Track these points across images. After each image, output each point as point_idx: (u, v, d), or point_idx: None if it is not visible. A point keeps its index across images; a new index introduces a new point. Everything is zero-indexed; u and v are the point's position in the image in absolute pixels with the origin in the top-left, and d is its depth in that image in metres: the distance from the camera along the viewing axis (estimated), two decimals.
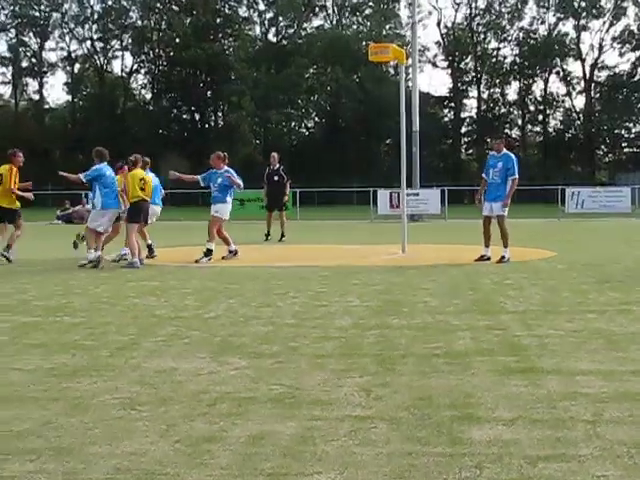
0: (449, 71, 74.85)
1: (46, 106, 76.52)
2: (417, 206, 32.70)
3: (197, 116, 74.60)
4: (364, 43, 65.88)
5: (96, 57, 75.15)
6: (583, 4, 69.57)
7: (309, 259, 15.01)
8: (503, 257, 13.59)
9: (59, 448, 4.18)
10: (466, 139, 77.49)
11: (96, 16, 73.16)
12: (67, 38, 74.15)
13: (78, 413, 4.78)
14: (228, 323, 7.86)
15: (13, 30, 72.53)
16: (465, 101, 75.84)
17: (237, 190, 15.10)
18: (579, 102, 76.39)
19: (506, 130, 73.66)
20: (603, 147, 74.77)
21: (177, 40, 71.24)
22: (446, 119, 76.37)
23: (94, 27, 73.76)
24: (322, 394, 5.14)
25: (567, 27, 77.67)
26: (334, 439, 4.27)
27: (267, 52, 71.69)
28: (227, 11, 73.44)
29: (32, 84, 75.27)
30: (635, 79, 69.45)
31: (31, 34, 73.37)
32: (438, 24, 74.34)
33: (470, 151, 77.40)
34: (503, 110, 75.20)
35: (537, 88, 74.32)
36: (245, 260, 14.97)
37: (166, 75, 73.87)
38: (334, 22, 74.77)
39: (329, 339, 6.96)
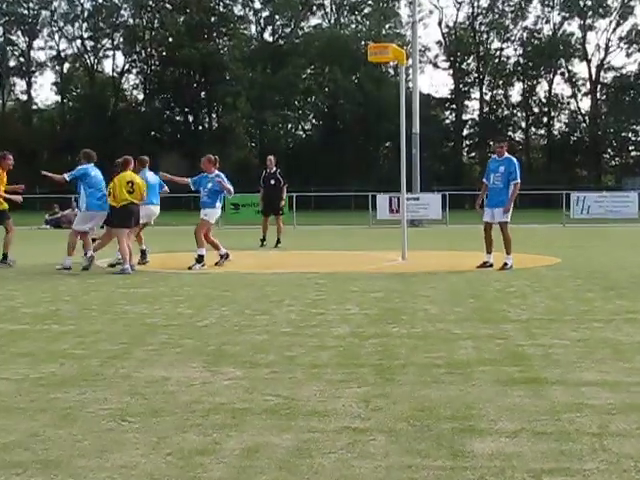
0: (450, 72, 74.97)
1: (34, 107, 76.55)
2: (417, 211, 32.73)
3: (190, 118, 74.66)
4: (363, 43, 66.03)
5: (86, 56, 75.22)
6: (589, 3, 69.73)
7: (306, 266, 15.01)
8: (506, 264, 13.60)
9: (46, 461, 4.18)
10: (468, 142, 77.59)
11: (86, 14, 73.24)
12: (56, 37, 74.28)
13: (66, 424, 4.77)
14: (222, 331, 7.86)
15: (0, 28, 72.57)
16: (467, 103, 76.00)
17: (227, 196, 15.06)
18: (585, 104, 76.48)
19: (509, 133, 73.81)
20: (609, 150, 74.88)
21: (170, 39, 71.32)
22: (447, 121, 76.48)
23: (84, 25, 73.86)
24: (319, 405, 5.13)
25: (572, 27, 77.79)
26: (331, 452, 4.27)
27: (263, 52, 71.79)
28: (222, 9, 73.55)
29: (20, 84, 75.40)
30: None
31: (19, 32, 73.47)
32: (439, 23, 74.51)
33: (472, 154, 77.52)
34: (506, 112, 75.33)
35: (541, 89, 74.51)
36: (240, 266, 14.96)
37: (159, 75, 73.92)
38: (332, 21, 74.90)
39: (326, 348, 6.96)
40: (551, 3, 71.91)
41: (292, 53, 70.37)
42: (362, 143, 69.34)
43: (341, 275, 13.22)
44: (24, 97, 75.20)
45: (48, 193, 37.15)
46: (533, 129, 76.11)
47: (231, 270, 14.19)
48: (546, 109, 73.69)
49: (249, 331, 7.86)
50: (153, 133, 70.85)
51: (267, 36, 74.84)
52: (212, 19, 72.45)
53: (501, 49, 74.04)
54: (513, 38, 73.70)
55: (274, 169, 20.72)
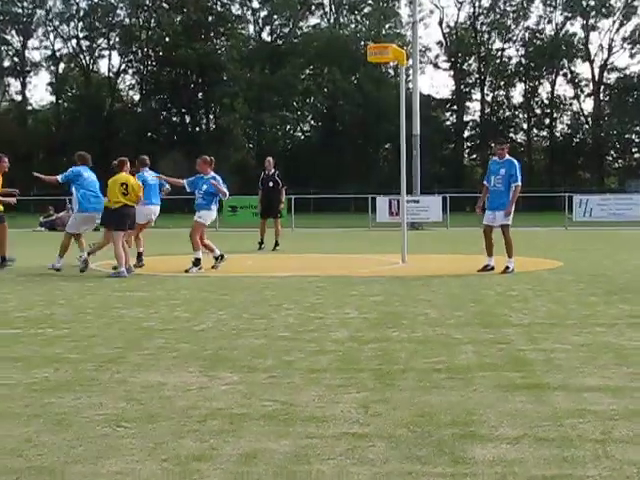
0: (451, 72, 75.13)
1: (29, 107, 76.70)
2: (418, 214, 32.77)
3: (187, 119, 74.76)
4: (363, 43, 66.19)
5: (82, 56, 75.35)
6: (592, 3, 69.87)
7: (304, 269, 15.01)
8: (507, 268, 13.61)
9: (40, 467, 4.17)
10: (469, 144, 77.73)
11: (82, 13, 73.37)
12: (51, 36, 74.45)
13: (61, 430, 4.77)
14: (219, 336, 7.85)
15: None
16: (468, 104, 76.16)
17: (222, 198, 15.01)
18: (587, 105, 76.87)
19: (511, 134, 73.95)
20: (612, 152, 75.01)
21: (167, 39, 71.42)
22: (448, 123, 76.62)
23: (80, 25, 74.00)
24: (317, 410, 5.13)
25: (575, 27, 78.17)
26: (330, 458, 4.26)
27: (261, 52, 71.89)
28: (219, 9, 73.66)
29: (14, 84, 75.54)
30: None
31: (13, 32, 73.60)
32: (440, 23, 74.71)
33: (473, 156, 77.67)
34: (508, 113, 75.47)
35: (543, 90, 74.68)
36: (237, 270, 14.95)
37: (155, 76, 74.01)
38: (331, 21, 75.01)
39: (325, 353, 6.96)
40: (553, 3, 72.08)
41: (291, 53, 70.49)
42: (361, 145, 69.44)
43: (340, 278, 13.22)
44: (19, 97, 75.42)
45: (43, 195, 37.15)
46: (535, 131, 76.25)
47: (228, 273, 14.18)
48: (548, 110, 73.82)
49: (247, 335, 7.85)
50: (149, 134, 70.93)
51: (265, 36, 75.06)
52: (209, 19, 72.55)
53: (503, 49, 74.25)
54: (515, 38, 73.92)
55: (272, 171, 20.72)
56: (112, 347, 7.27)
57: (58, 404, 5.34)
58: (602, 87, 72.29)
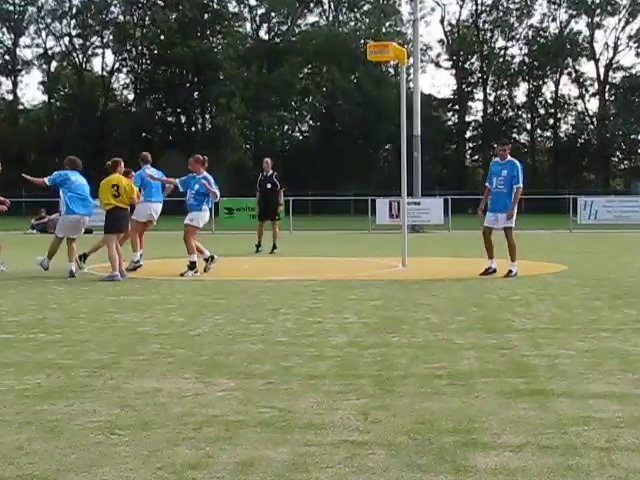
0: (453, 72, 75.18)
1: (20, 107, 76.66)
2: (418, 216, 32.79)
3: (183, 118, 74.79)
4: (362, 41, 66.25)
5: (74, 55, 75.32)
6: (597, 0, 69.91)
7: (303, 272, 15.01)
8: (510, 271, 13.61)
9: (32, 476, 4.16)
10: (471, 144, 77.79)
11: (75, 10, 73.38)
12: (43, 34, 74.43)
13: (53, 438, 4.77)
14: (215, 341, 7.86)
15: None
16: (470, 104, 76.24)
17: (213, 199, 14.93)
18: (592, 105, 77.07)
19: (514, 135, 74.01)
20: (618, 153, 75.10)
21: (162, 37, 71.46)
22: (450, 123, 76.70)
23: (72, 22, 73.99)
24: (316, 417, 5.13)
25: (580, 25, 78.16)
26: (329, 466, 4.26)
27: (258, 50, 71.93)
28: (215, 6, 73.68)
29: (5, 83, 75.49)
30: None
31: (4, 29, 73.59)
32: (441, 21, 74.77)
33: (475, 157, 77.76)
34: (511, 113, 75.53)
35: (547, 90, 74.75)
36: (233, 273, 14.95)
37: (150, 74, 74.03)
38: (330, 19, 75.06)
39: (324, 358, 6.96)
40: (558, 0, 72.15)
41: (289, 52, 70.53)
42: (361, 145, 69.48)
43: (339, 282, 13.23)
44: (10, 97, 75.34)
45: (34, 197, 37.16)
46: (539, 131, 76.34)
47: (225, 277, 14.19)
48: (552, 110, 73.89)
49: (243, 340, 7.85)
50: (144, 134, 70.91)
51: (263, 34, 75.07)
52: (205, 16, 72.58)
53: (506, 48, 74.31)
54: (518, 37, 74.02)
55: (270, 172, 20.73)
56: (106, 352, 7.27)
57: (50, 411, 5.34)
58: (607, 86, 72.38)
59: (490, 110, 74.49)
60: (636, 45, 70.45)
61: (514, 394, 5.66)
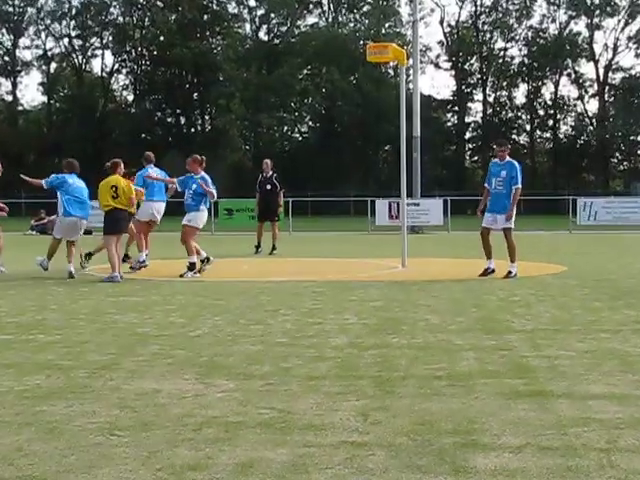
0: (453, 72, 75.17)
1: (20, 108, 76.65)
2: (418, 217, 32.80)
3: (182, 120, 74.76)
4: (362, 42, 66.21)
5: (74, 56, 75.31)
6: (596, 1, 69.95)
7: (302, 273, 15.01)
8: (510, 272, 13.61)
9: (31, 477, 4.16)
10: (470, 145, 77.77)
11: (74, 12, 73.33)
12: (43, 35, 74.39)
13: (52, 439, 4.77)
14: (215, 342, 7.85)
15: None
16: (470, 105, 76.20)
17: (210, 199, 14.90)
18: (592, 106, 76.87)
19: (514, 136, 73.97)
20: (617, 154, 75.09)
21: (161, 38, 71.42)
22: (449, 124, 76.68)
23: (72, 23, 73.95)
24: (316, 419, 5.13)
25: (579, 26, 78.22)
26: (328, 467, 4.26)
27: (258, 51, 71.91)
28: (215, 7, 73.67)
29: (5, 84, 75.46)
30: None
31: (4, 30, 73.54)
32: (441, 22, 74.76)
33: (475, 158, 77.73)
34: (510, 114, 75.51)
35: (547, 91, 74.76)
36: (233, 274, 14.95)
37: (149, 75, 74.02)
38: (330, 20, 75.04)
39: (323, 359, 6.96)
40: (557, 1, 72.15)
41: (288, 53, 70.52)
42: (361, 146, 69.46)
43: (339, 283, 13.22)
44: (9, 98, 75.31)
45: (34, 198, 37.15)
46: (538, 132, 76.32)
47: (224, 278, 14.18)
48: (552, 111, 73.87)
49: (243, 341, 7.85)
50: (143, 135, 70.86)
51: (262, 35, 75.05)
52: (205, 17, 72.56)
53: (505, 49, 74.30)
54: (518, 38, 73.98)
55: (270, 173, 20.72)
56: (105, 353, 7.27)
57: (50, 412, 5.34)
58: (607, 87, 72.36)
59: (490, 111, 74.49)
60: (635, 46, 70.45)
61: (514, 395, 5.66)
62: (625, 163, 75.74)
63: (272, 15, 73.68)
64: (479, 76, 74.64)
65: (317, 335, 8.17)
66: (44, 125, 75.60)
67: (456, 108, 75.34)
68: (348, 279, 14.00)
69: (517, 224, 14.07)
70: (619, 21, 70.68)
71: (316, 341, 7.82)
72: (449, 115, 77.23)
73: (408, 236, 17.14)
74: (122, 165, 14.47)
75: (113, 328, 8.73)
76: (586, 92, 73.79)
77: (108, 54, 76.52)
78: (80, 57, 75.26)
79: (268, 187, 20.57)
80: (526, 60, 73.35)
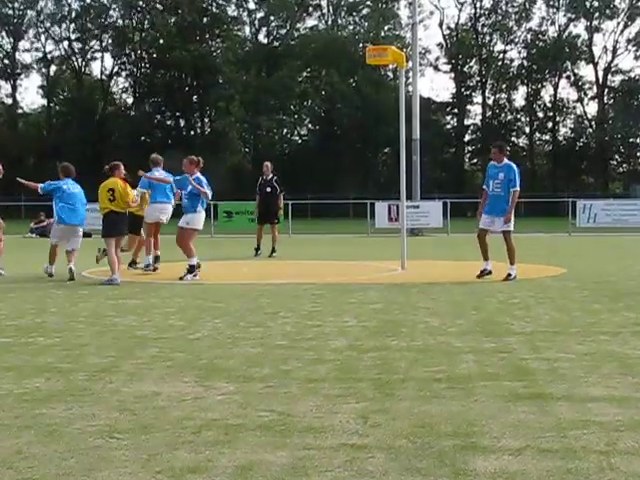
0: (452, 75, 75.17)
1: (19, 111, 76.59)
2: (417, 219, 32.81)
3: (182, 122, 74.73)
4: (361, 45, 66.26)
5: (74, 58, 75.30)
6: (596, 4, 69.93)
7: (302, 276, 15.01)
8: (509, 275, 13.61)
9: None
10: (470, 148, 77.77)
11: (74, 15, 73.29)
12: (42, 38, 74.34)
13: (52, 442, 4.76)
14: (214, 344, 7.85)
15: None
16: (469, 107, 76.20)
17: (205, 199, 14.82)
18: (591, 108, 76.79)
19: (513, 138, 73.97)
20: (617, 157, 75.09)
21: (161, 41, 71.40)
22: (449, 126, 76.66)
23: (72, 26, 73.92)
24: (315, 421, 5.13)
25: (579, 28, 78.16)
26: (328, 470, 4.26)
27: (257, 54, 71.90)
28: (214, 10, 73.65)
29: (4, 87, 75.37)
30: None
31: (4, 33, 73.44)
32: (440, 25, 74.72)
33: (474, 161, 77.66)
34: (510, 117, 75.51)
35: (546, 93, 74.72)
36: (233, 276, 14.95)
37: (149, 78, 74.01)
38: (329, 22, 75.03)
39: (323, 362, 6.96)
40: (556, 4, 72.12)
41: (287, 55, 70.50)
42: (360, 149, 69.48)
43: (338, 286, 13.22)
44: (9, 101, 75.25)
45: (33, 201, 37.15)
46: (538, 134, 76.29)
47: (224, 280, 14.18)
48: (551, 114, 73.86)
49: (243, 344, 7.85)
50: (143, 138, 70.84)
51: (262, 38, 75.02)
52: (204, 20, 72.53)
53: (504, 51, 74.27)
54: (517, 40, 73.96)
55: (270, 176, 20.71)
56: (105, 356, 7.27)
57: (49, 415, 5.34)
58: (606, 90, 72.35)
59: (489, 113, 74.49)
60: (635, 48, 70.45)
61: (513, 398, 5.66)
62: (624, 165, 75.73)
63: (271, 18, 73.67)
64: (478, 79, 74.63)
65: (317, 338, 8.17)
66: (44, 128, 75.59)
67: (455, 110, 75.33)
68: (347, 282, 14.00)
69: (516, 226, 14.07)
70: (618, 23, 70.72)
71: (316, 344, 7.82)
72: (448, 117, 77.21)
73: (407, 238, 17.14)
74: (122, 167, 14.49)
75: (112, 331, 8.73)
76: (585, 94, 73.84)
77: (108, 57, 76.66)
78: (80, 60, 75.27)
79: (268, 190, 20.55)
80: (525, 62, 73.35)
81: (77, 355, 7.35)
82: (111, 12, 73.53)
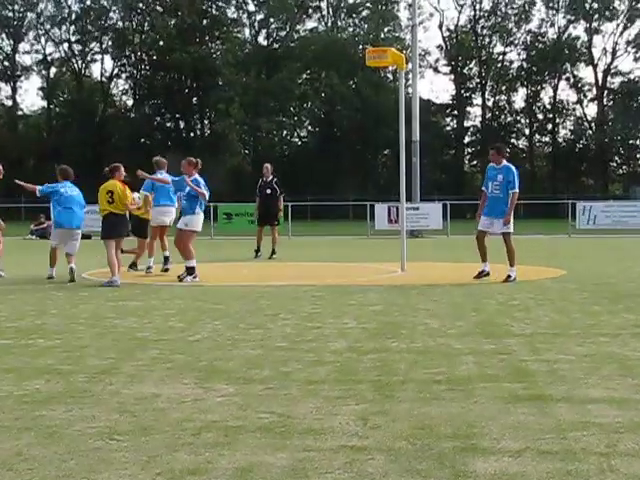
0: (452, 77, 75.24)
1: (19, 112, 76.64)
2: (417, 221, 32.80)
3: (182, 124, 74.80)
4: (361, 47, 66.29)
5: (74, 60, 75.34)
6: (595, 6, 69.99)
7: (301, 278, 15.00)
8: (509, 276, 13.61)
9: None
10: (470, 149, 77.82)
11: (74, 16, 73.39)
12: (42, 40, 74.44)
13: (52, 443, 4.76)
14: (214, 346, 7.85)
15: None
16: (469, 109, 76.29)
17: (202, 200, 14.77)
18: (591, 110, 76.79)
19: (513, 140, 74.01)
20: (616, 158, 75.13)
21: (161, 43, 71.48)
22: (448, 128, 76.72)
23: (72, 28, 73.99)
24: (315, 423, 5.13)
25: (578, 30, 78.33)
26: (328, 471, 4.26)
27: (257, 56, 71.96)
28: (214, 12, 73.73)
29: (5, 89, 75.42)
30: None
31: (4, 35, 73.54)
32: (440, 27, 74.78)
33: (474, 162, 77.72)
34: (509, 119, 75.56)
35: (546, 95, 74.79)
36: (233, 278, 14.94)
37: (149, 80, 74.06)
38: (329, 24, 75.09)
39: (323, 364, 6.95)
40: (556, 6, 72.20)
41: (287, 57, 70.55)
42: (360, 150, 69.51)
43: (338, 287, 13.22)
44: (9, 102, 75.30)
45: (33, 202, 37.14)
46: (537, 136, 76.36)
47: (224, 282, 14.17)
48: (551, 115, 73.91)
49: (243, 346, 7.85)
50: (143, 140, 70.90)
51: (261, 40, 75.10)
52: (204, 22, 72.59)
53: (504, 53, 74.34)
54: (516, 42, 74.04)
55: (270, 178, 20.71)
56: (105, 358, 7.27)
57: (49, 417, 5.34)
58: (606, 92, 72.41)
59: (489, 115, 74.53)
60: (634, 50, 70.52)
61: (513, 399, 5.65)
62: (624, 167, 75.79)
63: (271, 20, 73.73)
64: (478, 80, 74.69)
65: (316, 339, 8.17)
66: (44, 130, 75.63)
67: (455, 112, 75.39)
68: (347, 283, 14.00)
69: (516, 228, 14.07)
70: (618, 25, 70.83)
71: (315, 345, 7.82)
72: (448, 119, 77.29)
73: (407, 240, 17.13)
74: (122, 169, 14.50)
75: (113, 332, 8.73)
76: (585, 96, 73.91)
77: (108, 59, 76.76)
78: (80, 62, 75.33)
79: (268, 191, 20.55)
80: (525, 64, 73.42)
81: (77, 357, 7.35)
82: (111, 14, 73.71)
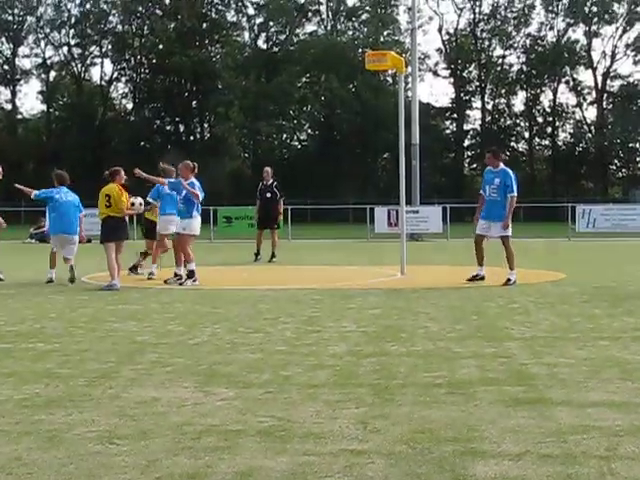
0: (451, 80, 75.20)
1: (19, 116, 76.56)
2: (417, 224, 32.78)
3: (181, 127, 74.77)
4: (360, 50, 66.22)
5: (73, 64, 75.28)
6: (594, 9, 69.98)
7: (301, 281, 15.01)
8: (509, 280, 13.60)
9: None
10: (469, 153, 77.73)
11: (73, 20, 73.32)
12: (42, 44, 74.31)
13: (52, 448, 4.76)
14: (214, 350, 7.85)
15: None
16: (468, 112, 76.20)
17: (195, 201, 14.67)
18: (590, 113, 76.77)
19: (512, 143, 74.02)
20: (616, 161, 75.11)
21: (160, 46, 71.44)
22: (448, 131, 76.68)
23: (71, 32, 73.91)
24: (315, 427, 5.12)
25: (577, 33, 78.05)
26: (328, 475, 4.25)
27: (257, 59, 71.97)
28: (214, 16, 73.72)
29: (4, 93, 75.30)
30: None
31: (3, 39, 73.46)
32: (439, 30, 74.71)
33: (474, 166, 77.61)
34: (509, 122, 75.52)
35: (545, 98, 74.74)
36: (232, 282, 14.93)
37: (148, 84, 74.05)
38: (328, 28, 75.08)
39: (323, 367, 6.95)
40: (555, 9, 72.21)
41: (287, 61, 70.58)
42: (359, 154, 69.49)
43: (338, 291, 13.22)
44: (8, 106, 75.18)
45: (33, 206, 37.13)
46: (537, 139, 76.31)
47: (223, 286, 14.17)
48: (550, 119, 73.87)
49: (242, 349, 7.84)
50: (142, 143, 70.89)
51: (261, 43, 75.09)
52: (204, 25, 72.58)
53: (503, 56, 74.29)
54: (516, 45, 73.99)
55: (271, 181, 20.72)
56: (104, 362, 7.26)
57: (49, 421, 5.33)
58: (605, 95, 72.39)
59: (488, 118, 74.50)
60: (633, 53, 70.49)
61: (513, 403, 5.65)
62: (624, 170, 75.75)
63: (271, 23, 73.71)
64: (478, 84, 74.66)
65: (316, 343, 8.17)
66: (43, 133, 75.59)
67: (455, 115, 75.36)
68: (347, 287, 14.00)
69: (515, 231, 14.07)
70: (617, 29, 70.77)
71: (315, 349, 7.82)
72: (448, 123, 77.25)
73: (407, 243, 17.13)
74: (122, 173, 14.50)
75: (112, 336, 8.72)
76: (584, 99, 73.88)
77: (107, 62, 76.64)
78: (79, 65, 75.25)
79: (268, 195, 20.57)
80: (524, 68, 73.39)
81: (77, 361, 7.34)
82: (111, 18, 73.62)
